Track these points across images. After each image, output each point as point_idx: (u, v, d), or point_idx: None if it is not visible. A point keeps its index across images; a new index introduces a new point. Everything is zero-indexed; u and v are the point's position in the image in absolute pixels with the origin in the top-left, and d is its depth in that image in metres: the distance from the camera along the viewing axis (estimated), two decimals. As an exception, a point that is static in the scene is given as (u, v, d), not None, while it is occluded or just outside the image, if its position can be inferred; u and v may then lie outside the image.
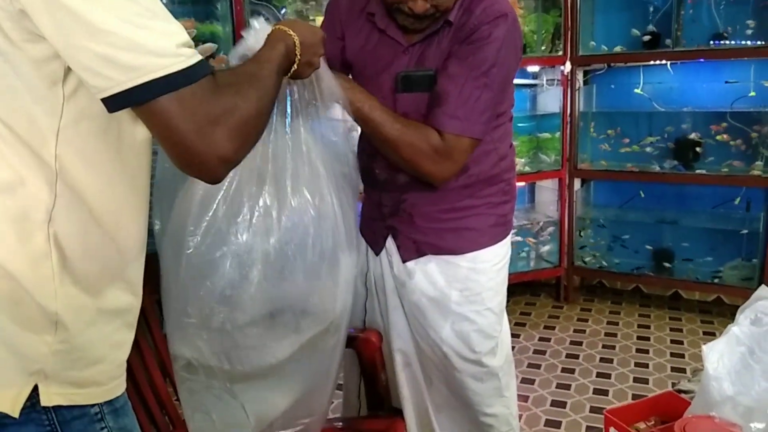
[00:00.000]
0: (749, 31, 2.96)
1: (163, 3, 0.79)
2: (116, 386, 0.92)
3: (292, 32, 1.06)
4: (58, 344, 0.84)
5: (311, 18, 2.81)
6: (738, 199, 3.18)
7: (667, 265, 3.32)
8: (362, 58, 1.46)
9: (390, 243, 1.53)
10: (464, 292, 1.49)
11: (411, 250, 1.51)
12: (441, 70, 1.37)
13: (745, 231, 3.12)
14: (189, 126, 0.76)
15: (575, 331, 3.11)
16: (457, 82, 1.34)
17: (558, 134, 3.32)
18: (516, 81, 1.58)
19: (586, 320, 3.23)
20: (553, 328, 3.16)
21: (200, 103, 0.77)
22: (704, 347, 1.16)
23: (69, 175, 0.81)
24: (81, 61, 0.73)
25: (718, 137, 3.12)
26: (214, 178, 0.84)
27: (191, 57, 0.77)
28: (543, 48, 3.29)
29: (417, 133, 1.36)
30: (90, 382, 0.88)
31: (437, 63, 1.38)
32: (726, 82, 3.08)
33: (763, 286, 1.23)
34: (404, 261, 1.51)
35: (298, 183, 1.15)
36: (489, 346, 1.53)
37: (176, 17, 0.80)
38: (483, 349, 1.52)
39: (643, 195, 3.43)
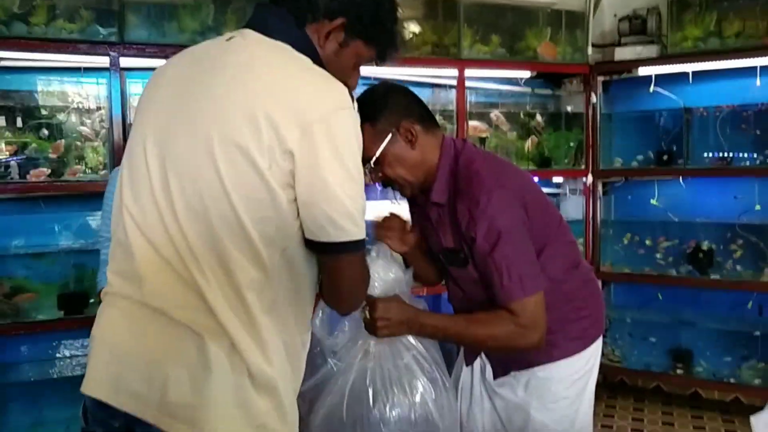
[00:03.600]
0: (753, 154, 3.31)
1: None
2: None
3: None
4: None
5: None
6: (750, 303, 3.40)
7: (685, 365, 3.50)
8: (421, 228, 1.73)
9: (482, 355, 1.73)
10: (542, 399, 1.65)
11: (499, 369, 1.70)
12: (472, 258, 1.54)
13: (758, 333, 3.34)
14: (351, 280, 1.15)
15: (603, 426, 3.28)
16: (488, 259, 1.49)
17: (581, 240, 3.61)
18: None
19: (612, 416, 3.40)
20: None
21: (362, 268, 1.17)
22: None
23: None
24: (312, 214, 1.06)
25: (729, 246, 3.39)
26: (346, 313, 1.33)
27: (365, 231, 1.12)
28: (566, 161, 3.65)
29: (493, 322, 1.50)
30: None
31: (455, 241, 1.58)
32: (735, 197, 3.41)
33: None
34: (495, 378, 1.70)
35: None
36: None
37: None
38: None
39: (661, 297, 3.68)
